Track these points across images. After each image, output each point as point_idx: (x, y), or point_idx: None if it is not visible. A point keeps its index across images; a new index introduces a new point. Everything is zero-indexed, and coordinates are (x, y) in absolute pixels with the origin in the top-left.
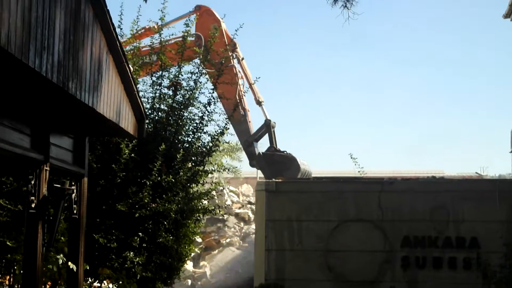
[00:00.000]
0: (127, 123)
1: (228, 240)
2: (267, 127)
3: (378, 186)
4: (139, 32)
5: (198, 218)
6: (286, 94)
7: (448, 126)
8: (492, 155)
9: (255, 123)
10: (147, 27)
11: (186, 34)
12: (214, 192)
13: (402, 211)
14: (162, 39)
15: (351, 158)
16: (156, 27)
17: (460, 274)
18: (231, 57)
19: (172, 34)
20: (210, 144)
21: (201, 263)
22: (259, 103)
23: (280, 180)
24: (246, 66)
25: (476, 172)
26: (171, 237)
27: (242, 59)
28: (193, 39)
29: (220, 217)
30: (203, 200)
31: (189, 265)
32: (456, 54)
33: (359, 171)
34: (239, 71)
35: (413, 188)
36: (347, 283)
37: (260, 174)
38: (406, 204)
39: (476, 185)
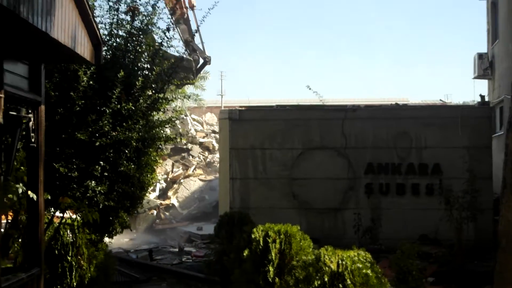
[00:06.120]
0: (83, 48)
1: (191, 170)
2: (204, 63)
3: (342, 113)
4: None
5: (160, 146)
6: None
7: (412, 52)
8: (456, 82)
9: None
10: None
11: None
12: (177, 121)
13: (365, 138)
14: None
15: (309, 89)
16: None
17: (423, 200)
18: None
19: None
20: (170, 71)
21: (168, 194)
22: (192, 7)
23: (243, 108)
24: None
25: (440, 99)
26: (132, 166)
27: None
28: None
29: (184, 147)
30: (165, 128)
31: (152, 195)
32: None
33: (320, 100)
34: None
35: (376, 115)
36: (311, 210)
37: (224, 103)
38: (369, 131)
39: (438, 111)
